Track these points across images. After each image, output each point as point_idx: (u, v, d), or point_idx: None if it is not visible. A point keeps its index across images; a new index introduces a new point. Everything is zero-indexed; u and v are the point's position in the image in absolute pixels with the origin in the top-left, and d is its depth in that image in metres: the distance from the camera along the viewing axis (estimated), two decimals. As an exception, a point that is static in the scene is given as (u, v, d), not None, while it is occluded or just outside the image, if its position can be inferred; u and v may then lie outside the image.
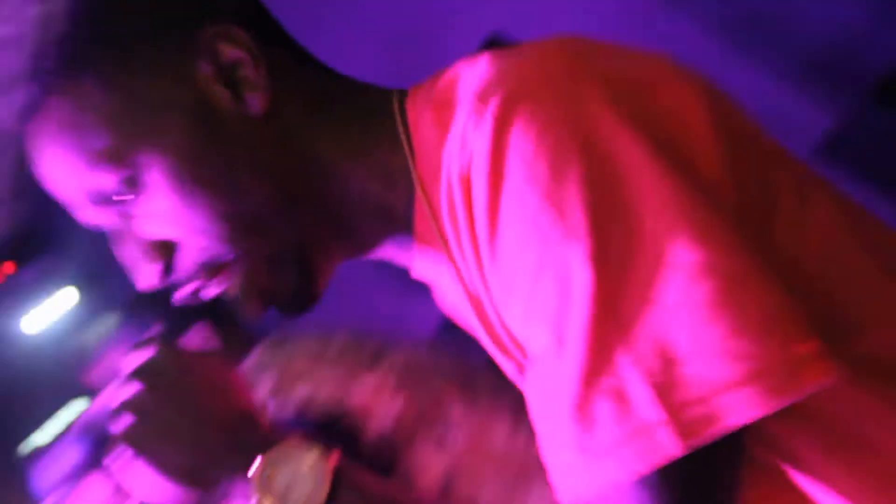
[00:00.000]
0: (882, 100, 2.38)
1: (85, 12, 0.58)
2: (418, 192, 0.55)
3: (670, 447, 0.41)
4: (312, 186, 0.57)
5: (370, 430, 1.16)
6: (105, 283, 2.76)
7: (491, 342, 0.55)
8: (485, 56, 0.52)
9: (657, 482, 0.42)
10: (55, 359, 2.57)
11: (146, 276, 0.57)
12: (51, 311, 2.54)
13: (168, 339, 0.65)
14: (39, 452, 1.64)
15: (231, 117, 0.55)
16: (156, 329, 0.66)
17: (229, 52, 0.55)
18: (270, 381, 1.15)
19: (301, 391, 1.17)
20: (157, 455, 0.59)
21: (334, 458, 0.60)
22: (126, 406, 0.60)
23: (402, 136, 0.56)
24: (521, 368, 0.54)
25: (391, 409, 1.18)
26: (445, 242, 0.52)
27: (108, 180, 0.56)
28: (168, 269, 0.57)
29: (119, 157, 0.55)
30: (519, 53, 0.52)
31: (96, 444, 1.05)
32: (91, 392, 1.40)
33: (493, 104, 0.45)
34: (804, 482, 0.51)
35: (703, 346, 0.41)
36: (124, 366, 0.63)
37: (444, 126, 0.51)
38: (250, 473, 0.58)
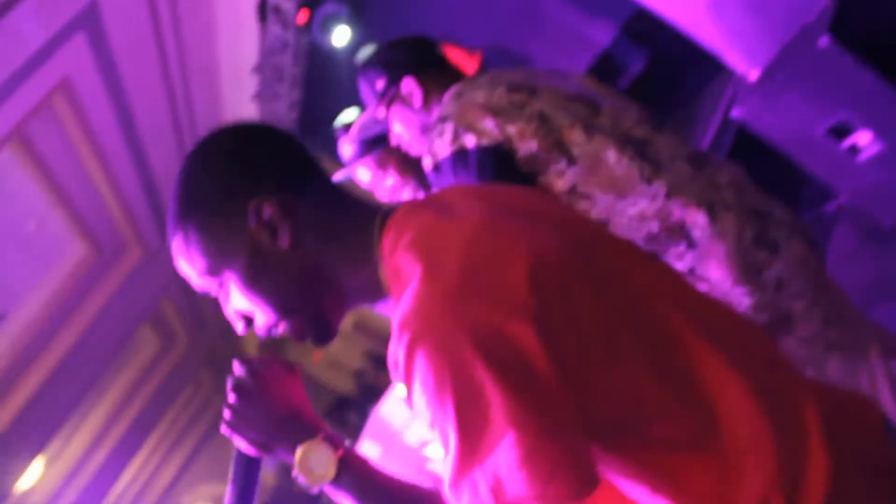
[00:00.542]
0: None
1: (186, 186, 0.96)
2: (388, 293, 0.93)
3: None
4: (323, 285, 0.95)
5: (521, 151, 1.54)
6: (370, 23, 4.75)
7: None
8: (414, 276, 0.80)
9: None
10: (348, 66, 4.66)
11: (238, 329, 0.99)
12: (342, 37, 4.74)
13: (252, 364, 1.12)
14: (342, 130, 2.44)
15: (271, 250, 0.94)
16: (247, 357, 1.12)
17: (266, 212, 0.93)
18: (450, 129, 1.58)
19: (477, 129, 1.54)
20: (242, 435, 1.10)
21: (341, 451, 1.08)
22: (227, 405, 1.10)
23: (377, 256, 0.92)
24: None
25: (532, 145, 1.54)
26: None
27: (209, 283, 0.99)
28: (249, 325, 0.99)
29: (212, 272, 0.97)
30: (427, 265, 0.79)
31: (363, 144, 2.34)
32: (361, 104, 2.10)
33: (405, 340, 0.77)
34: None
35: (514, 479, 0.73)
36: (228, 381, 1.11)
37: (395, 286, 0.87)
38: (294, 454, 1.06)
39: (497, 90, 1.61)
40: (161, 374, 11.30)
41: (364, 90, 1.98)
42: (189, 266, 0.99)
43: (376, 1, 4.97)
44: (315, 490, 1.04)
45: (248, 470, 1.11)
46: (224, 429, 1.12)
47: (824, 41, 2.63)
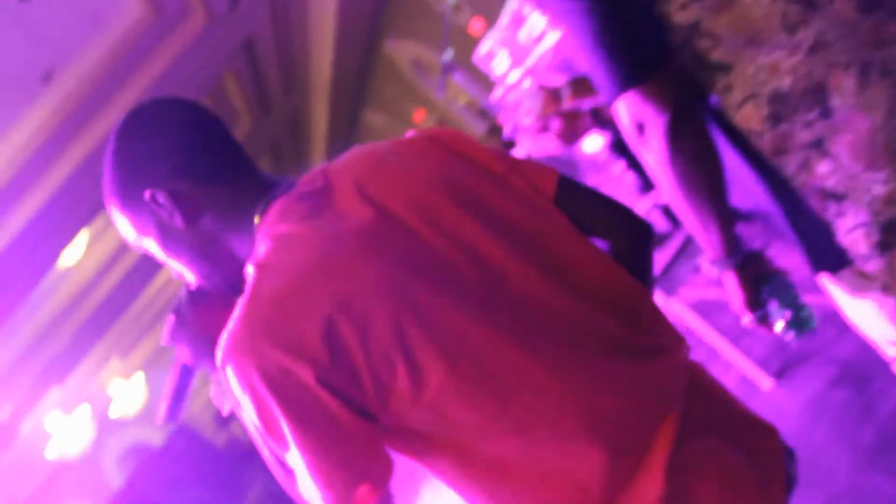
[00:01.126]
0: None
1: (106, 171, 1.14)
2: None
3: None
4: (222, 255, 1.12)
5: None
6: None
7: None
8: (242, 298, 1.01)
9: None
10: None
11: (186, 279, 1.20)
12: None
13: (194, 294, 1.23)
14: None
15: (172, 228, 1.11)
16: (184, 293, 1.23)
17: (159, 198, 1.08)
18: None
19: None
20: (179, 345, 1.24)
21: None
22: (170, 317, 1.24)
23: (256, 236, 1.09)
24: None
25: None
26: None
27: (142, 248, 1.19)
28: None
29: (137, 242, 1.17)
30: (242, 307, 0.99)
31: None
32: None
33: (222, 353, 0.97)
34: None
35: (318, 493, 0.99)
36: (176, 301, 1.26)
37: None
38: (213, 380, 1.21)
39: None
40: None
41: None
42: (122, 233, 1.19)
43: None
44: (224, 413, 1.16)
45: (182, 376, 1.26)
46: (164, 338, 1.24)
47: None
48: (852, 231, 1.32)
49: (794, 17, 1.30)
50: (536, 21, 4.00)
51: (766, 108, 1.33)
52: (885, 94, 1.26)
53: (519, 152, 3.96)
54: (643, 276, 1.24)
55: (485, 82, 6.41)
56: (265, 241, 1.06)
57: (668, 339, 1.14)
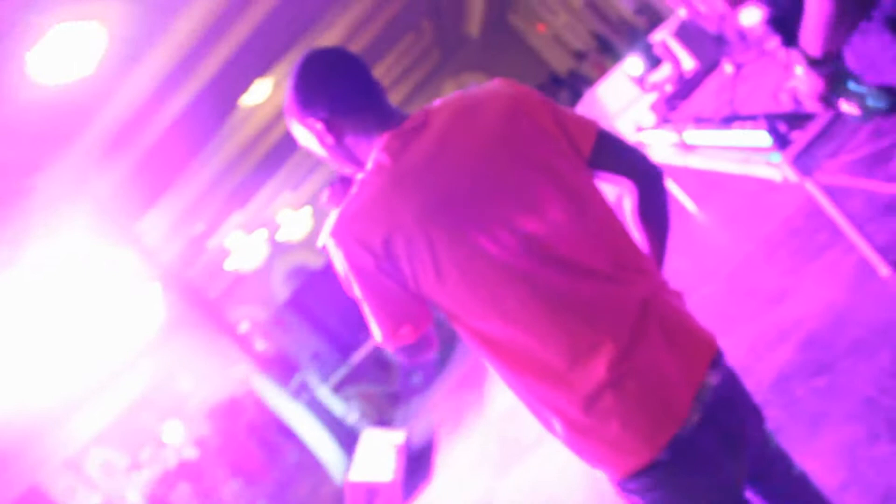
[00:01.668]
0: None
1: (286, 97, 1.50)
2: None
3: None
4: (353, 159, 1.49)
5: None
6: None
7: None
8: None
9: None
10: None
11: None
12: None
13: (339, 178, 1.64)
14: None
15: (327, 140, 1.48)
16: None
17: (317, 126, 1.46)
18: None
19: None
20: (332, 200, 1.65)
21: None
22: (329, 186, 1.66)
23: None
24: None
25: None
26: None
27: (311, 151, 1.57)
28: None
29: (305, 142, 1.54)
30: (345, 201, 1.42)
31: None
32: None
33: (328, 230, 1.40)
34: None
35: (377, 330, 1.45)
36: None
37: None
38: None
39: None
40: (385, 16, 11.72)
41: None
42: (294, 135, 1.58)
43: None
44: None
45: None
46: (323, 199, 1.66)
47: None
48: None
49: None
50: None
51: None
52: None
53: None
54: (660, 209, 1.56)
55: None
56: (371, 162, 1.45)
57: (633, 275, 1.43)
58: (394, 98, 18.90)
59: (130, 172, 7.71)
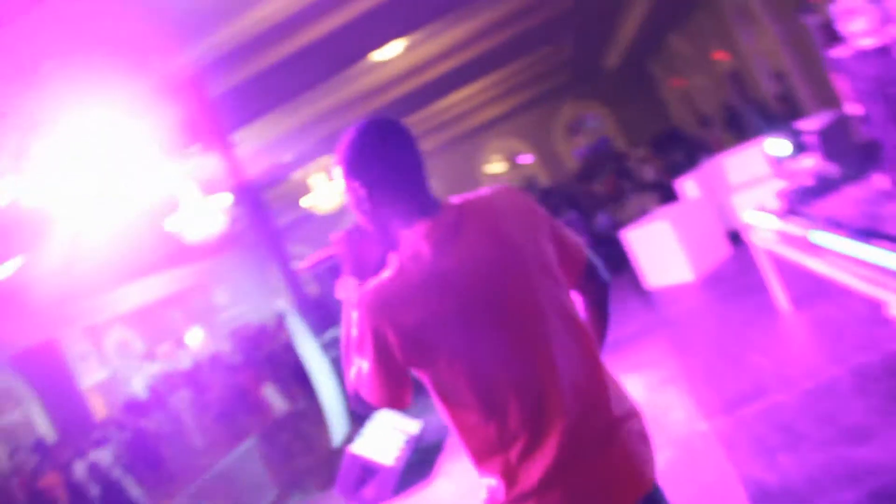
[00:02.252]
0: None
1: (338, 152, 1.60)
2: None
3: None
4: (382, 226, 1.58)
5: None
6: None
7: None
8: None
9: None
10: None
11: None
12: None
13: (358, 229, 1.68)
14: None
15: (365, 206, 1.58)
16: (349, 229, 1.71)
17: (360, 191, 1.55)
18: None
19: None
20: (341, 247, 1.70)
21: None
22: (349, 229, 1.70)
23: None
24: None
25: None
26: None
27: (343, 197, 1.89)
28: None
29: (342, 191, 1.63)
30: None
31: None
32: None
33: (359, 296, 1.54)
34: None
35: (364, 390, 1.57)
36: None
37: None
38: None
39: None
40: (532, 21, 11.53)
41: None
42: (335, 180, 1.70)
43: None
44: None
45: (328, 258, 1.78)
46: (335, 236, 1.72)
47: None
48: None
49: None
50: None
51: None
52: None
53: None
54: (608, 313, 1.74)
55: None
56: (409, 246, 1.54)
57: (594, 401, 1.53)
58: (511, 103, 18.72)
59: (247, 79, 7.68)
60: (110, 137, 7.09)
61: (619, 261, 8.26)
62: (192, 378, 16.41)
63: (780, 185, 5.27)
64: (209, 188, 9.77)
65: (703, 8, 13.32)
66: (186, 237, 9.92)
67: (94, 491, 9.88)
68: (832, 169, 4.70)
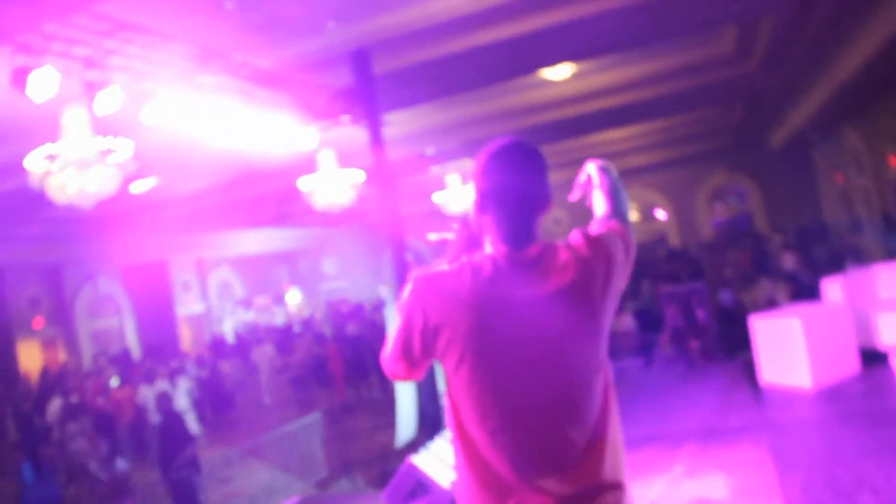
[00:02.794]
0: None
1: (476, 179, 1.72)
2: None
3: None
4: (478, 228, 1.73)
5: None
6: None
7: None
8: None
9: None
10: None
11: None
12: None
13: (467, 226, 1.82)
14: None
15: (475, 211, 1.69)
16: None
17: (474, 218, 1.72)
18: None
19: None
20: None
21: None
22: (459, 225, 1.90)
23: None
24: None
25: None
26: None
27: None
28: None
29: (468, 204, 1.83)
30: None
31: None
32: None
33: (414, 275, 1.66)
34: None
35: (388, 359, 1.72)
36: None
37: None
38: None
39: None
40: (710, 77, 11.08)
41: None
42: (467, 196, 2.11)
43: None
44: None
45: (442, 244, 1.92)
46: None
47: None
48: None
49: None
50: None
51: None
52: None
53: None
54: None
55: None
56: (481, 258, 1.63)
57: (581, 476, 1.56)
58: (662, 155, 18.17)
59: (413, 65, 7.65)
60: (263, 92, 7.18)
61: (740, 343, 7.80)
62: (280, 336, 16.69)
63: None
64: (345, 160, 9.87)
65: (885, 107, 12.51)
66: (315, 201, 10.04)
67: (156, 418, 10.09)
68: None
